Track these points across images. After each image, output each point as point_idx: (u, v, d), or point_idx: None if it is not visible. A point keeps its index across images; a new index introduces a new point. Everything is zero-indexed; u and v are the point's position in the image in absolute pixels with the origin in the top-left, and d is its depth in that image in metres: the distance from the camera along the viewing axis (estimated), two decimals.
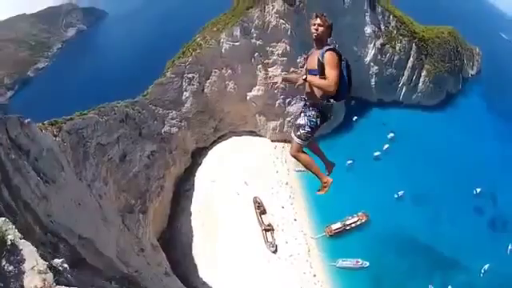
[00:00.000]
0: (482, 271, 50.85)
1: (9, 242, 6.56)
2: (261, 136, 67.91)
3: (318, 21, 5.95)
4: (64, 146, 29.86)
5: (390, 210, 56.84)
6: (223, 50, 60.30)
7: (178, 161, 57.42)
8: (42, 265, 6.38)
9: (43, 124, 30.00)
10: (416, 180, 60.84)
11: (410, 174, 61.66)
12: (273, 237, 52.69)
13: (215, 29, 61.86)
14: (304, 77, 5.90)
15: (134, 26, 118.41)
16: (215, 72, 61.08)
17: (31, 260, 6.41)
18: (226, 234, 52.27)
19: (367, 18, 73.36)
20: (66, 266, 8.71)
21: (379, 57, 74.89)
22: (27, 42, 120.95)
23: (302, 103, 6.34)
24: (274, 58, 62.55)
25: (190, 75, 58.79)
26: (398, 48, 75.57)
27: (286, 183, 59.81)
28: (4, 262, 6.10)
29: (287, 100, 63.81)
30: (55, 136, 29.54)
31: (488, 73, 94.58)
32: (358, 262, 51.09)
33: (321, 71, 5.69)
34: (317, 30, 5.95)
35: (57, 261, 8.53)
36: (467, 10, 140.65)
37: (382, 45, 74.63)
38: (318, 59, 5.75)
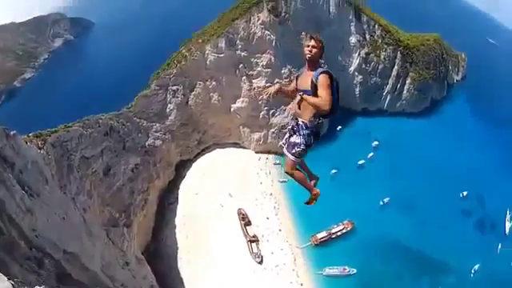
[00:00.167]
0: (473, 271, 52.84)
1: None
2: (245, 148, 69.85)
3: (312, 42, 6.11)
4: (48, 158, 30.93)
5: (375, 217, 58.80)
6: (208, 62, 62.42)
7: (161, 174, 59.01)
8: None
9: (28, 136, 31.29)
10: (401, 186, 62.70)
11: (395, 180, 63.65)
12: (258, 248, 54.22)
13: (200, 40, 63.93)
14: (301, 93, 6.12)
15: (121, 37, 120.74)
16: (200, 84, 63.14)
17: None
18: (211, 246, 53.72)
19: (352, 28, 76.12)
20: None
21: (364, 66, 77.66)
22: (14, 51, 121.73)
23: (294, 123, 6.53)
24: (259, 69, 64.83)
25: (175, 87, 60.87)
26: (382, 57, 78.47)
27: (271, 194, 61.66)
28: None
29: (271, 111, 66.20)
30: (40, 148, 30.63)
31: (473, 78, 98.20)
32: (345, 269, 52.56)
33: (314, 92, 5.97)
34: (311, 51, 6.12)
35: None
36: (455, 16, 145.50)
37: (367, 54, 77.44)
38: (312, 81, 6.00)
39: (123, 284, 32.97)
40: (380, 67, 78.73)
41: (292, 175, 6.50)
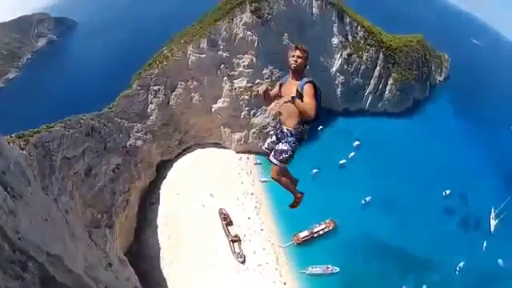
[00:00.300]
0: (458, 269, 55.05)
1: None
2: (226, 148, 71.49)
3: (298, 53, 6.42)
4: (31, 159, 31.42)
5: (357, 215, 60.71)
6: (190, 62, 63.91)
7: (143, 174, 60.15)
8: None
9: (11, 137, 32.03)
10: (383, 185, 64.70)
11: (377, 180, 65.70)
12: (240, 247, 55.73)
13: (182, 41, 65.30)
14: (293, 95, 6.37)
15: (104, 37, 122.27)
16: (181, 84, 64.58)
17: None
18: (193, 246, 54.93)
19: (335, 29, 78.49)
20: None
21: (346, 67, 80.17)
22: None
23: (279, 131, 6.91)
24: (240, 69, 66.65)
25: (156, 87, 62.21)
26: (364, 58, 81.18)
27: (252, 194, 63.43)
28: None
29: (252, 111, 68.01)
30: (22, 149, 31.25)
31: (457, 78, 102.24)
32: (328, 268, 54.15)
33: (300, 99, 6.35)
34: (296, 61, 6.43)
35: None
36: (438, 16, 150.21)
37: (349, 55, 80.00)
38: (297, 90, 6.36)
39: (107, 286, 33.16)
40: (362, 68, 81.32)
41: (279, 181, 6.93)
